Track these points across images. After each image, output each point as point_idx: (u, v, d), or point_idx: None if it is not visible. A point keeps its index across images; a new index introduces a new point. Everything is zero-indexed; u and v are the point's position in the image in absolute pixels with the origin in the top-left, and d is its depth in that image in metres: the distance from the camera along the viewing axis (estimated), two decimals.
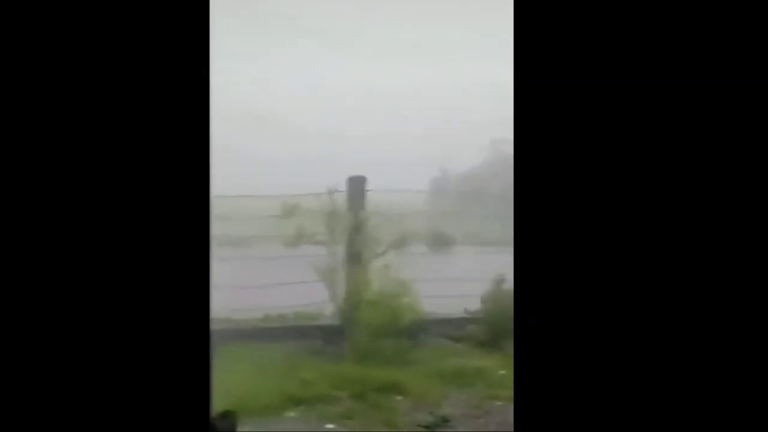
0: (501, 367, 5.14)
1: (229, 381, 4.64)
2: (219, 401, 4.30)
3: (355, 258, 5.78)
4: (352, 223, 5.79)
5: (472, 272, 6.04)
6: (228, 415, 1.64)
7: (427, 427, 4.32)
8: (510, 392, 4.69)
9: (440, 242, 7.80)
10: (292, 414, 4.53)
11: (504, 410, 4.53)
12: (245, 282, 5.52)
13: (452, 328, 5.79)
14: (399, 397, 4.74)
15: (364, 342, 5.36)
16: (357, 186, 5.92)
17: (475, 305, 5.96)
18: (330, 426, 4.39)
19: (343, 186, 5.90)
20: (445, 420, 4.35)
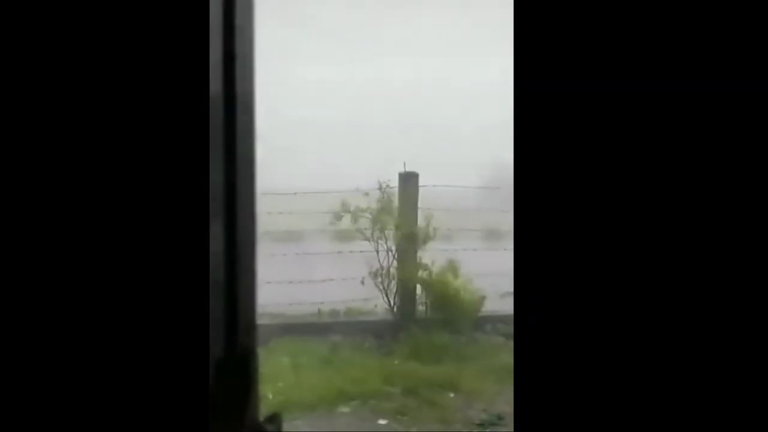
0: None
1: (281, 375, 4.69)
2: (271, 395, 4.35)
3: (408, 254, 5.78)
4: (404, 218, 5.79)
5: None
6: (275, 418, 1.66)
7: (481, 424, 4.29)
8: None
9: (494, 238, 7.79)
10: (344, 409, 4.55)
11: None
12: (298, 277, 5.57)
13: (505, 325, 5.75)
14: (452, 394, 4.72)
15: (417, 338, 5.35)
16: (409, 182, 5.92)
17: None
18: (383, 422, 4.39)
19: (395, 182, 5.90)
20: (499, 417, 4.31)
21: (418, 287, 5.73)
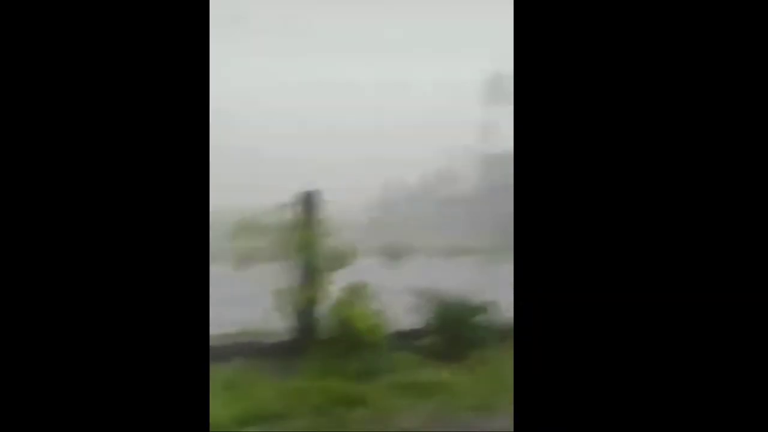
0: (456, 378, 5.12)
1: None
2: None
3: (310, 271, 5.71)
4: (305, 236, 5.73)
5: (428, 282, 6.02)
6: None
7: None
8: (470, 402, 4.67)
9: (396, 253, 7.78)
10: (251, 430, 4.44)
11: (465, 421, 4.51)
12: None
13: (410, 340, 5.76)
14: (360, 411, 4.68)
15: (323, 356, 5.29)
16: (311, 199, 5.87)
17: (429, 316, 5.94)
18: None
19: (296, 199, 5.84)
20: None
21: (323, 306, 5.67)
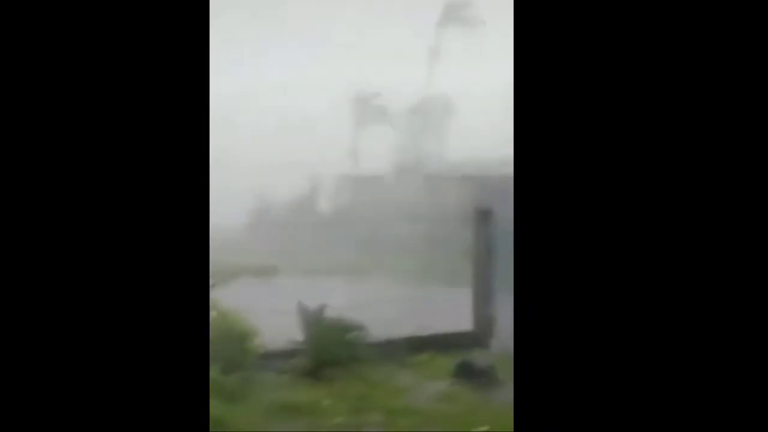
0: (326, 397, 5.13)
1: None
2: None
3: None
4: None
5: (298, 301, 6.01)
6: None
7: None
8: (337, 421, 4.69)
9: (263, 273, 7.73)
10: None
11: None
12: None
13: (277, 360, 5.72)
14: None
15: None
16: None
17: (299, 336, 5.93)
18: None
19: None
20: None
21: None
